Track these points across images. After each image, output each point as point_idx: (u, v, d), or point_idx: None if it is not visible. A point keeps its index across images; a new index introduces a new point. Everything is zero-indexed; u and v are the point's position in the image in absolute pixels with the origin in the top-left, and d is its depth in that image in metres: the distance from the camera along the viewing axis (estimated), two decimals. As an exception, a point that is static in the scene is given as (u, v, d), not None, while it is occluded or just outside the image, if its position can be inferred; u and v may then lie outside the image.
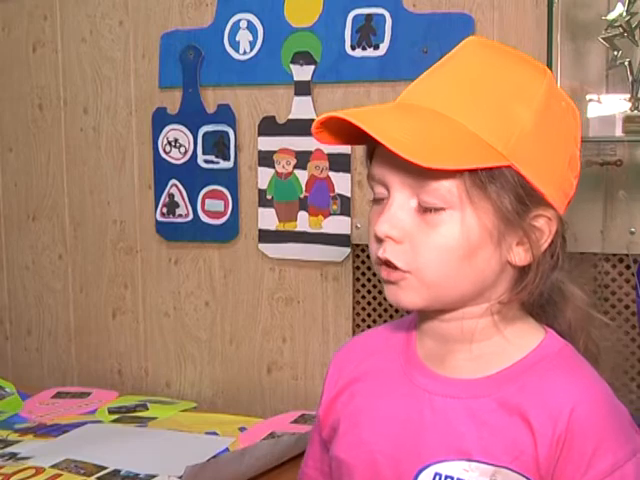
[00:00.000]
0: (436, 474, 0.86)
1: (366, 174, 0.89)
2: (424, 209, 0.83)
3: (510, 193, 0.82)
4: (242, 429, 1.64)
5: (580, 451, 0.82)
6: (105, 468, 1.44)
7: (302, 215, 1.77)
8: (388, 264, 0.85)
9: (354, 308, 1.77)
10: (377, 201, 0.87)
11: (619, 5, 1.41)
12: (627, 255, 1.50)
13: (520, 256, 0.85)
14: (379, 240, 0.85)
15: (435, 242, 0.83)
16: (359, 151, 1.72)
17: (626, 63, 1.42)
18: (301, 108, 1.75)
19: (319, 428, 1.01)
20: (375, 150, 0.86)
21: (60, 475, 1.41)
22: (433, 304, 0.87)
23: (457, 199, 0.82)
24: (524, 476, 0.83)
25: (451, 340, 0.89)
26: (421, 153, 0.78)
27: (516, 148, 0.82)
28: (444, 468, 0.86)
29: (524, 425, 0.84)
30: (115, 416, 1.75)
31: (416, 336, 0.94)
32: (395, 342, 0.96)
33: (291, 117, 1.77)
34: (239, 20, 1.80)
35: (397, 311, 1.73)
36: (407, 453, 0.88)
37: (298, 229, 1.78)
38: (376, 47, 1.68)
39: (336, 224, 1.74)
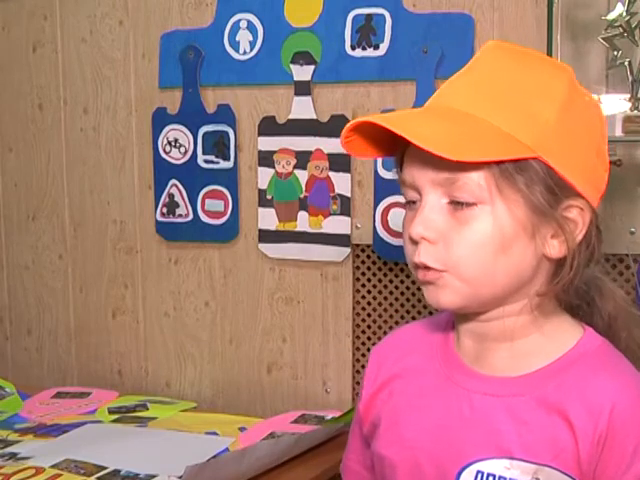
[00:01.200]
0: (478, 472, 0.87)
1: (397, 180, 0.90)
2: (456, 207, 0.84)
3: (540, 184, 0.83)
4: (242, 429, 1.64)
5: (621, 449, 0.83)
6: (105, 468, 1.44)
7: (302, 215, 1.77)
8: (425, 266, 0.86)
9: (354, 308, 1.77)
10: (410, 205, 0.88)
11: (619, 5, 1.41)
12: (627, 255, 1.50)
13: (556, 248, 0.86)
14: (414, 242, 0.86)
15: (468, 238, 0.84)
16: (359, 151, 1.72)
17: (626, 63, 1.42)
18: (301, 108, 1.75)
19: (360, 423, 1.02)
20: (404, 156, 0.88)
21: (60, 475, 1.41)
22: (472, 303, 0.87)
23: (487, 192, 0.83)
24: (566, 474, 0.84)
25: (490, 339, 0.90)
26: (448, 148, 0.80)
27: (542, 141, 0.83)
28: (486, 466, 0.87)
29: (564, 423, 0.85)
30: (115, 416, 1.75)
31: (454, 336, 0.95)
32: (433, 340, 0.97)
33: (291, 117, 1.77)
34: (239, 20, 1.80)
35: (397, 311, 1.73)
36: (448, 451, 0.89)
37: (298, 229, 1.78)
38: (376, 47, 1.68)
39: (336, 224, 1.74)
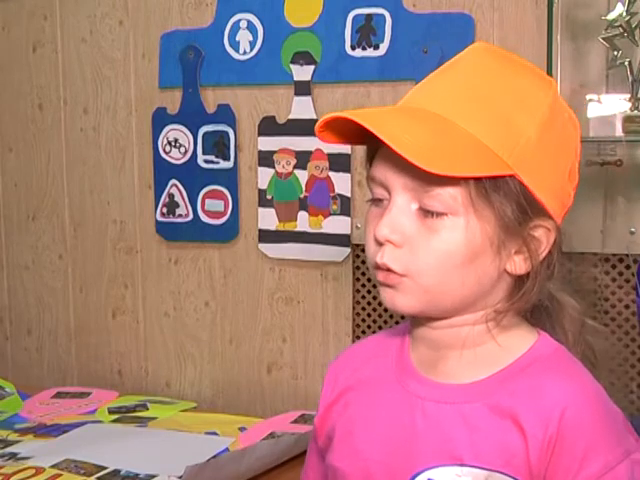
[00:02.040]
0: None
1: (366, 175, 0.89)
2: (425, 214, 0.83)
3: (512, 202, 0.82)
4: (242, 429, 1.64)
5: (571, 453, 0.82)
6: (105, 468, 1.44)
7: (302, 215, 1.77)
8: (386, 268, 0.84)
9: (354, 308, 1.77)
10: (376, 202, 0.87)
11: (619, 5, 1.41)
12: (627, 255, 1.50)
13: (518, 265, 0.85)
14: (378, 243, 0.85)
15: (435, 247, 0.83)
16: (359, 151, 1.71)
17: (626, 63, 1.42)
18: (301, 108, 1.75)
19: (315, 437, 1.01)
20: (377, 152, 0.86)
21: (60, 475, 1.41)
22: (429, 309, 0.86)
23: (461, 206, 0.82)
24: (516, 479, 0.83)
25: (443, 346, 0.89)
26: (428, 158, 0.78)
27: (520, 158, 0.82)
28: (437, 474, 0.85)
29: (515, 428, 0.83)
30: (115, 416, 1.75)
31: (409, 343, 0.94)
32: (389, 349, 0.96)
33: (291, 117, 1.77)
34: (239, 20, 1.80)
35: (397, 311, 1.73)
36: (400, 460, 0.88)
37: (298, 229, 1.78)
38: (376, 47, 1.68)
39: (336, 224, 1.74)
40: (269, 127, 1.79)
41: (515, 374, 0.86)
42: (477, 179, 0.81)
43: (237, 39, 1.80)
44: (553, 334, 0.91)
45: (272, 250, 1.82)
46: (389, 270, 0.84)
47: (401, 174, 0.83)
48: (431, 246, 0.83)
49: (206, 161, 1.86)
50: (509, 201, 0.82)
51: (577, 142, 0.89)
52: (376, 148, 0.86)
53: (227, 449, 1.52)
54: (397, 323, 1.73)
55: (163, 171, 1.91)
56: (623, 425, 0.86)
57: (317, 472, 1.04)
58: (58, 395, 1.90)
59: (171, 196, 1.90)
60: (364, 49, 1.69)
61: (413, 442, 0.88)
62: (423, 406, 0.88)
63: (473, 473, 0.84)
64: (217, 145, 1.84)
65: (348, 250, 1.74)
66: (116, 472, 1.43)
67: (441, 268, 0.83)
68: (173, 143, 1.89)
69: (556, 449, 0.82)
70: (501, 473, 0.83)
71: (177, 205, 1.90)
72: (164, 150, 1.90)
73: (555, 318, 0.92)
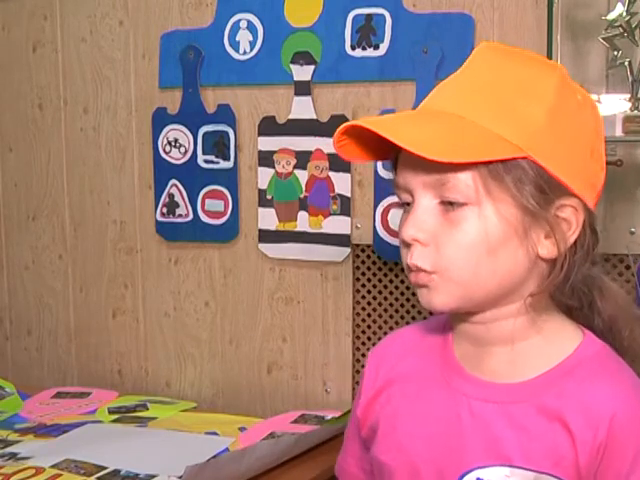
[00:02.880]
0: (478, 479, 0.86)
1: (393, 184, 0.90)
2: (447, 207, 0.84)
3: (529, 184, 0.83)
4: (242, 429, 1.64)
5: (621, 458, 0.82)
6: (105, 468, 1.44)
7: (302, 215, 1.77)
8: (416, 268, 0.86)
9: (354, 308, 1.77)
10: (405, 208, 0.88)
11: (619, 5, 1.41)
12: (627, 255, 1.49)
13: (549, 249, 0.85)
14: (407, 245, 0.86)
15: (458, 239, 0.84)
16: (359, 151, 1.71)
17: (626, 63, 1.41)
18: (301, 108, 1.75)
19: (358, 427, 1.01)
20: (398, 160, 0.88)
21: (60, 475, 1.41)
22: (465, 304, 0.87)
23: (477, 194, 0.83)
24: None
25: (488, 342, 0.89)
26: (436, 150, 0.80)
27: (532, 140, 0.83)
28: (486, 474, 0.86)
29: (564, 431, 0.84)
30: (115, 416, 1.75)
31: (452, 338, 0.94)
32: (431, 343, 0.96)
33: (291, 117, 1.77)
34: (239, 20, 1.80)
35: (397, 311, 1.73)
36: (448, 458, 0.89)
37: (298, 229, 1.78)
38: (376, 47, 1.68)
39: (336, 224, 1.74)
40: (269, 127, 1.79)
41: (562, 375, 0.86)
42: (489, 164, 0.82)
43: (237, 39, 1.80)
44: (594, 324, 0.91)
45: (272, 250, 1.82)
46: (419, 269, 0.85)
47: (418, 174, 0.85)
48: (455, 239, 0.84)
49: (206, 161, 1.86)
50: (525, 183, 0.83)
51: (594, 121, 0.89)
52: (397, 157, 0.88)
53: (227, 449, 1.52)
54: (397, 324, 1.73)
55: (163, 171, 1.91)
56: None
57: (358, 459, 1.04)
58: (58, 395, 1.90)
59: (171, 196, 1.90)
60: (364, 49, 1.69)
61: (460, 440, 0.88)
62: (469, 404, 0.89)
63: (522, 474, 0.85)
64: (217, 145, 1.84)
65: (348, 250, 1.74)
66: (116, 472, 1.42)
67: (468, 260, 0.84)
68: (173, 143, 1.89)
69: (606, 454, 0.83)
70: (550, 475, 0.84)
71: (177, 205, 1.89)
72: (164, 150, 1.90)
73: (597, 307, 0.91)
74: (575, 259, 0.86)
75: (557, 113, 0.85)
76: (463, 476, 0.87)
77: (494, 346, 0.89)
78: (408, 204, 0.87)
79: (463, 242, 0.83)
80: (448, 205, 0.84)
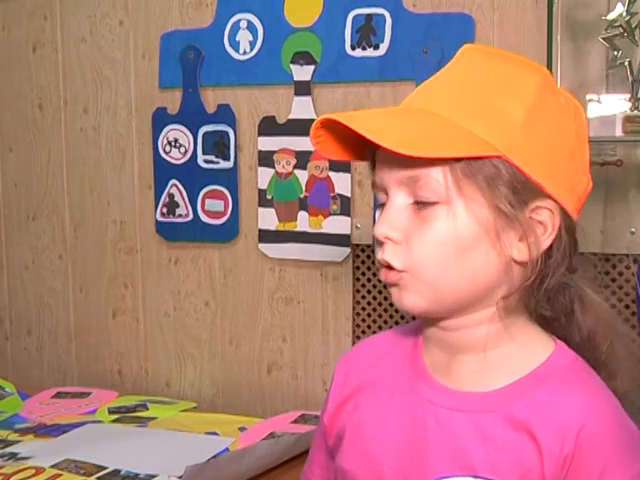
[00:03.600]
0: None
1: (372, 184, 0.89)
2: (419, 207, 0.83)
3: (503, 184, 0.81)
4: (242, 429, 1.64)
5: (587, 470, 0.81)
6: (105, 468, 1.44)
7: (302, 215, 1.77)
8: (387, 265, 0.84)
9: (354, 308, 1.77)
10: (380, 207, 0.87)
11: (619, 5, 1.41)
12: (627, 255, 1.49)
13: (522, 252, 0.83)
14: (380, 243, 0.85)
15: (428, 237, 0.82)
16: (359, 151, 1.72)
17: (626, 63, 1.41)
18: (301, 108, 1.75)
19: (324, 435, 0.99)
20: (375, 160, 0.87)
21: (60, 475, 1.41)
22: (436, 307, 0.85)
23: (449, 192, 0.81)
24: None
25: (459, 350, 0.87)
26: (409, 144, 0.79)
27: (507, 140, 0.81)
28: None
29: (531, 442, 0.82)
30: (115, 416, 1.75)
31: (423, 344, 0.92)
32: (401, 349, 0.94)
33: (291, 117, 1.77)
34: (239, 20, 1.80)
35: (397, 311, 1.73)
36: (413, 467, 0.87)
37: (298, 229, 1.78)
38: (376, 47, 1.68)
39: (336, 224, 1.74)
40: (269, 127, 1.79)
41: (531, 385, 0.84)
42: (461, 162, 0.80)
43: (237, 39, 1.80)
44: (571, 334, 0.89)
45: (272, 250, 1.82)
46: (390, 268, 0.84)
47: (393, 171, 0.84)
48: (425, 237, 0.82)
49: (206, 161, 1.86)
50: (499, 184, 0.81)
51: (577, 125, 0.87)
52: (374, 157, 0.87)
53: (227, 449, 1.52)
54: (397, 323, 1.73)
55: (163, 171, 1.91)
56: (639, 442, 0.84)
57: (324, 468, 1.02)
58: (58, 395, 1.90)
59: (171, 196, 1.90)
60: (364, 49, 1.69)
61: (426, 449, 0.86)
62: (436, 412, 0.87)
63: None
64: (217, 145, 1.84)
65: (348, 250, 1.74)
66: (116, 472, 1.43)
67: (437, 259, 0.82)
68: (173, 143, 1.89)
69: (572, 466, 0.81)
70: None
71: (177, 205, 1.90)
72: (164, 150, 1.90)
73: (576, 318, 0.89)
74: (550, 263, 0.84)
75: (536, 113, 0.83)
76: None
77: (464, 354, 0.87)
78: (384, 205, 0.86)
79: (432, 240, 0.82)
80: (420, 204, 0.83)
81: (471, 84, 0.85)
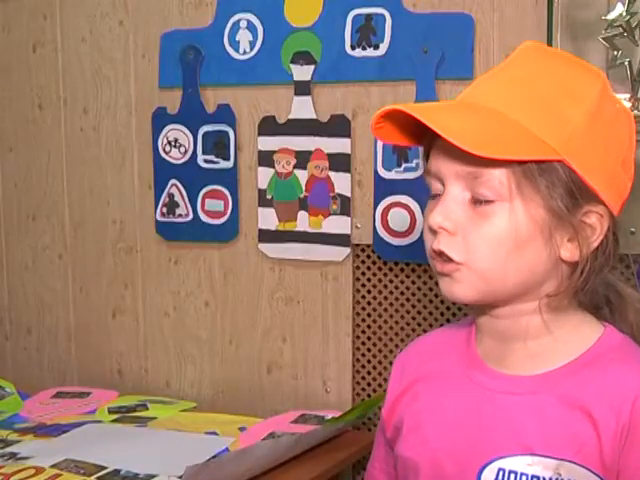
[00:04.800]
0: (500, 469, 0.88)
1: (424, 170, 0.91)
2: (476, 201, 0.86)
3: (561, 187, 0.84)
4: (242, 429, 1.64)
5: None
6: (105, 468, 1.44)
7: (302, 215, 1.77)
8: (442, 256, 0.87)
9: (354, 308, 1.77)
10: (434, 197, 0.90)
11: (619, 5, 1.41)
12: (627, 255, 1.49)
13: (571, 252, 0.87)
14: (433, 232, 0.87)
15: (486, 233, 0.85)
16: (359, 151, 1.72)
17: (626, 63, 1.42)
18: (301, 108, 1.75)
19: (383, 428, 1.03)
20: (432, 147, 0.89)
21: (60, 475, 1.41)
22: (485, 297, 0.89)
23: (509, 191, 0.84)
24: (588, 469, 0.85)
25: (508, 338, 0.91)
26: (474, 143, 0.81)
27: (568, 144, 0.84)
28: (507, 463, 0.87)
29: (586, 419, 0.85)
30: (115, 416, 1.75)
31: (475, 335, 0.96)
32: (455, 342, 0.98)
33: (291, 117, 1.77)
34: (239, 20, 1.80)
35: (397, 311, 1.73)
36: (470, 450, 0.90)
37: (298, 229, 1.78)
38: (376, 47, 1.68)
39: (336, 224, 1.74)
40: (269, 127, 1.79)
41: (583, 366, 0.88)
42: (524, 164, 0.83)
43: (237, 39, 1.80)
44: (618, 326, 0.93)
45: (272, 250, 1.81)
46: (443, 256, 0.87)
47: (452, 163, 0.86)
48: (482, 232, 0.85)
49: (206, 161, 1.86)
50: (557, 186, 0.84)
51: (629, 132, 0.90)
52: (431, 143, 0.89)
53: (227, 449, 1.52)
54: (397, 324, 1.73)
55: (163, 171, 1.90)
56: None
57: (385, 462, 1.06)
58: (58, 395, 1.90)
59: (171, 196, 1.90)
60: (364, 49, 1.69)
61: (482, 432, 0.90)
62: (492, 397, 0.91)
63: (544, 462, 0.86)
64: (217, 145, 1.84)
65: (348, 250, 1.74)
66: (116, 472, 1.43)
67: (494, 253, 0.85)
68: (173, 143, 1.89)
69: (629, 437, 0.84)
70: (572, 462, 0.85)
71: (177, 205, 1.89)
72: (164, 150, 1.90)
73: (618, 311, 0.93)
74: (595, 264, 0.88)
75: (596, 119, 0.86)
76: (484, 467, 0.88)
77: (515, 342, 0.91)
78: (438, 195, 0.89)
79: (492, 235, 0.85)
80: (478, 200, 0.85)
81: (534, 85, 0.87)
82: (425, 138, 0.89)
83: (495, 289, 0.87)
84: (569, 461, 0.85)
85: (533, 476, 0.86)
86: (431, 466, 0.93)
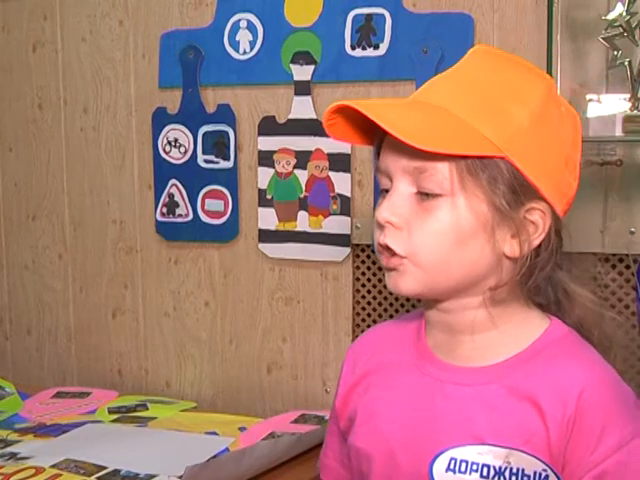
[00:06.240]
0: (451, 459, 0.89)
1: (374, 168, 0.94)
2: (422, 196, 0.88)
3: (503, 184, 0.87)
4: (242, 429, 1.64)
5: (589, 430, 0.86)
6: (105, 468, 1.44)
7: (302, 215, 1.77)
8: (388, 250, 0.90)
9: (354, 308, 1.77)
10: (383, 194, 0.92)
11: (619, 5, 1.41)
12: (627, 255, 1.50)
13: (513, 248, 0.89)
14: (381, 227, 0.90)
15: (429, 227, 0.87)
16: (359, 151, 1.72)
17: (626, 63, 1.41)
18: (301, 108, 1.75)
19: (336, 419, 1.05)
20: (382, 145, 0.92)
21: (60, 475, 1.41)
22: (429, 291, 0.91)
23: (453, 186, 0.86)
24: (536, 457, 0.87)
25: (456, 331, 0.93)
26: (419, 137, 0.83)
27: (511, 142, 0.87)
28: (459, 453, 0.89)
29: (534, 409, 0.87)
30: (115, 416, 1.75)
31: (425, 328, 0.98)
32: (406, 335, 1.00)
33: (291, 117, 1.77)
34: (239, 20, 1.80)
35: (397, 311, 1.73)
36: (422, 440, 0.92)
37: (298, 229, 1.78)
38: (376, 47, 1.68)
39: (336, 224, 1.74)
40: (269, 127, 1.79)
41: (531, 357, 0.90)
42: (467, 160, 0.86)
43: (237, 39, 1.80)
44: (565, 320, 0.95)
45: (272, 250, 1.82)
46: (389, 250, 0.89)
47: (400, 159, 0.88)
48: (426, 226, 0.88)
49: (206, 161, 1.86)
50: (499, 182, 0.86)
51: (574, 134, 0.93)
52: (381, 142, 0.92)
53: (227, 449, 1.52)
54: (397, 323, 1.73)
55: (163, 171, 1.91)
56: (634, 403, 0.90)
57: (337, 452, 1.08)
58: (58, 395, 1.90)
59: (171, 196, 1.90)
60: (364, 49, 1.69)
61: (434, 423, 0.92)
62: (443, 388, 0.92)
63: (494, 451, 0.88)
64: (217, 145, 1.84)
65: (348, 250, 1.74)
66: (116, 472, 1.42)
67: (437, 247, 0.88)
68: (173, 143, 1.89)
69: (575, 428, 0.86)
70: (521, 451, 0.87)
71: (177, 205, 1.90)
72: (164, 150, 1.90)
73: (564, 309, 0.95)
74: (537, 260, 0.90)
75: (540, 119, 0.89)
76: (437, 456, 0.90)
77: (462, 334, 0.93)
78: (387, 190, 0.91)
79: (435, 230, 0.87)
80: (424, 195, 0.88)
81: (482, 85, 0.90)
82: (376, 136, 0.92)
83: (438, 283, 0.89)
84: (518, 450, 0.87)
85: (484, 465, 0.88)
86: (384, 456, 0.95)
